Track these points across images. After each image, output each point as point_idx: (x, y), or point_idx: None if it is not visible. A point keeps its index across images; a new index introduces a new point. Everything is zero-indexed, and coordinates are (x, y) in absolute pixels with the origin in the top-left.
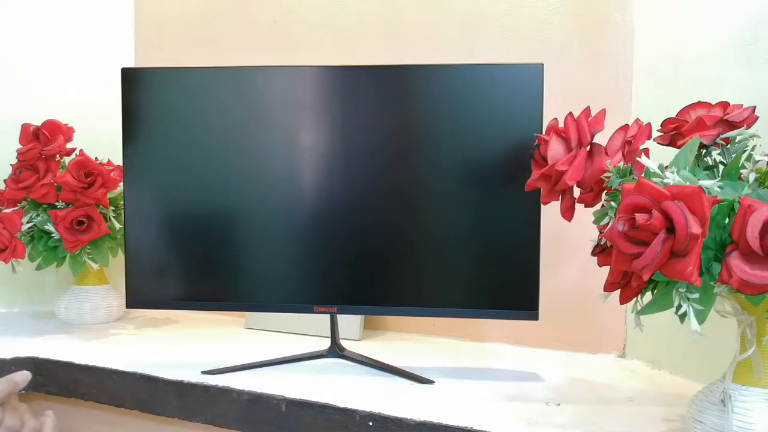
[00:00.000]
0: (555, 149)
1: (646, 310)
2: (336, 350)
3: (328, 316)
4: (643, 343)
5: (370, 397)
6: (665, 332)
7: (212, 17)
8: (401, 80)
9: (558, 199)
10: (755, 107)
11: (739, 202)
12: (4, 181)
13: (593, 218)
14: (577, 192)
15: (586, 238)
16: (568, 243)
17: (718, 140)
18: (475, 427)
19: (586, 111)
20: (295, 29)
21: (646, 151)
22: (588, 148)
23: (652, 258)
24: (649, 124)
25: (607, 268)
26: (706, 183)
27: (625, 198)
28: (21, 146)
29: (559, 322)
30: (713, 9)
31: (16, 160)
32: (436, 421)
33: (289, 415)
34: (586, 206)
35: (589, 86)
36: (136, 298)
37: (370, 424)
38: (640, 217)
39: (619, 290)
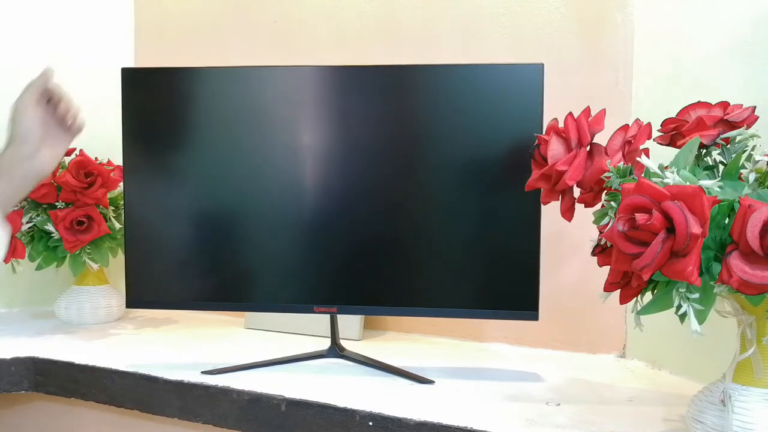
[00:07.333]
0: (555, 149)
1: (646, 310)
2: (336, 350)
3: (328, 316)
4: (643, 343)
5: (370, 397)
6: (665, 332)
7: (212, 17)
8: (401, 80)
9: (558, 199)
10: (755, 107)
11: (739, 202)
12: None
13: (593, 218)
14: (577, 192)
15: (586, 238)
16: (568, 243)
17: (718, 140)
18: (475, 427)
19: (586, 111)
20: (295, 29)
21: (646, 151)
22: (588, 148)
23: (652, 258)
24: (649, 124)
25: (607, 268)
26: (706, 183)
27: (625, 198)
28: None
29: (559, 322)
30: (713, 9)
31: None
32: (436, 421)
33: (289, 415)
34: (586, 206)
35: (589, 86)
36: (136, 298)
37: (370, 424)
38: (640, 217)
39: (619, 290)
